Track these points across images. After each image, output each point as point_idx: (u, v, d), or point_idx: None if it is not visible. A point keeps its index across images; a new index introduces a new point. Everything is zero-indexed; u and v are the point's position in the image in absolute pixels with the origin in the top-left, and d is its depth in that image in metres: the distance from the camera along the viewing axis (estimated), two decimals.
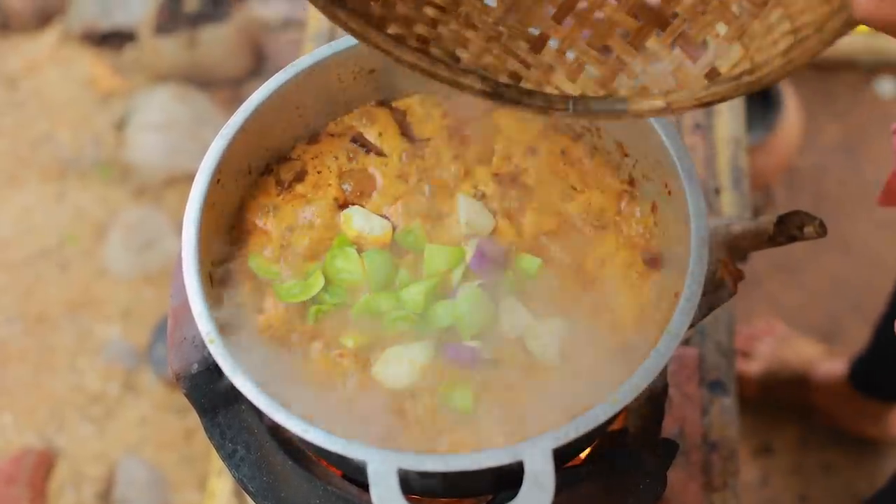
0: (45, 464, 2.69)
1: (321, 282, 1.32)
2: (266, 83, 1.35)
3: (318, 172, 1.41)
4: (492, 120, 1.45)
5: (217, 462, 1.90)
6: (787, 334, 2.74)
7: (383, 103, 1.46)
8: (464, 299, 1.29)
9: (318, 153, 1.43)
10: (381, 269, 1.33)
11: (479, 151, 1.42)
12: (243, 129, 1.32)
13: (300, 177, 1.41)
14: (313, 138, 1.44)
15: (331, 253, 1.35)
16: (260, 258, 1.35)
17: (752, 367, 2.68)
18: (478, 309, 1.29)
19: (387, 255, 1.34)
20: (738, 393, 2.40)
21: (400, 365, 1.27)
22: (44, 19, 3.49)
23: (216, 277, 1.31)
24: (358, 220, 1.36)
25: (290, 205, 1.38)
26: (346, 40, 1.36)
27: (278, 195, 1.39)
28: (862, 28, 3.20)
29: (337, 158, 1.42)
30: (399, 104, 1.46)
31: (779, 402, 2.69)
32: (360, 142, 1.43)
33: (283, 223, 1.37)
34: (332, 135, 1.44)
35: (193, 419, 2.71)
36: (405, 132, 1.44)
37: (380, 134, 1.43)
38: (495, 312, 1.30)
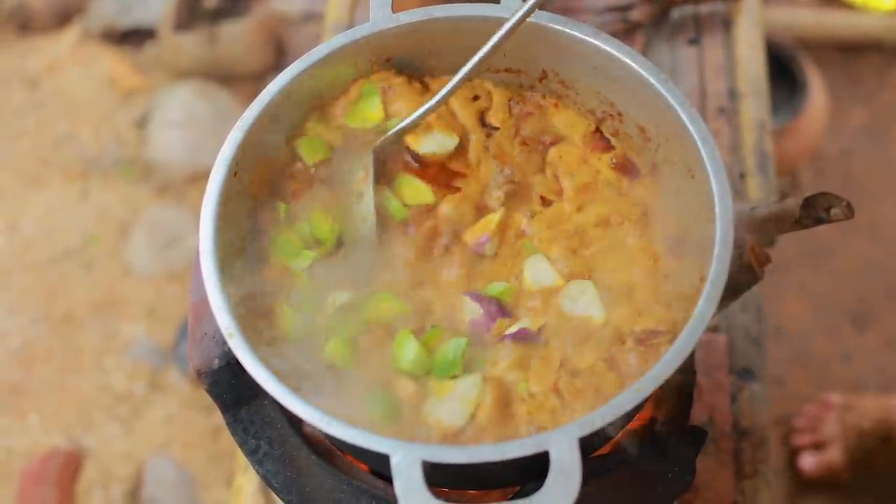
0: (72, 464, 2.69)
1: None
2: (282, 73, 1.33)
3: None
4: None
5: (242, 458, 1.90)
6: (845, 400, 2.55)
7: None
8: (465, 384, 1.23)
9: None
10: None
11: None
12: (260, 120, 1.31)
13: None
14: None
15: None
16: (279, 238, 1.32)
17: (832, 454, 2.51)
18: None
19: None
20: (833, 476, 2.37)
21: (452, 402, 1.21)
22: (64, 19, 3.50)
23: (235, 272, 1.29)
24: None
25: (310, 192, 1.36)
26: (362, 28, 1.35)
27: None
28: (888, 7, 3.13)
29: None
30: None
31: (884, 469, 2.51)
32: None
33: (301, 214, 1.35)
34: None
35: (220, 416, 2.71)
36: None
37: None
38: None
